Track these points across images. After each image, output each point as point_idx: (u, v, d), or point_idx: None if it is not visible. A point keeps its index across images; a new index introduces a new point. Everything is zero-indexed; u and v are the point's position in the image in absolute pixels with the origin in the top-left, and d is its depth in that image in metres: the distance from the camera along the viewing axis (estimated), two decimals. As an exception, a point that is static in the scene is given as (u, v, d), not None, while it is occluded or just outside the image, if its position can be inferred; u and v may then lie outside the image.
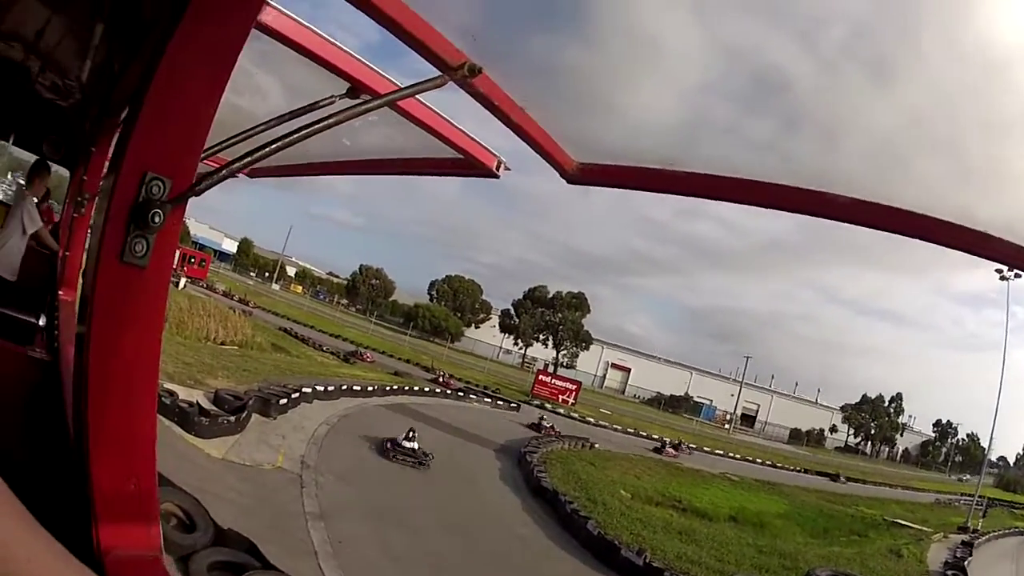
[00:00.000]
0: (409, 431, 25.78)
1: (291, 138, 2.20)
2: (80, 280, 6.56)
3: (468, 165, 3.75)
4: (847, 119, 2.50)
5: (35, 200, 8.58)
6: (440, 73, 2.47)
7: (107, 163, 5.90)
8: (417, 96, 2.88)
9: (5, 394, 3.80)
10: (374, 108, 2.51)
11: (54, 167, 9.77)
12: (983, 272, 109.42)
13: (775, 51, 2.38)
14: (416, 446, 25.44)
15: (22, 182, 9.88)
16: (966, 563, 33.41)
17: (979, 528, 48.17)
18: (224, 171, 1.98)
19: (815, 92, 2.47)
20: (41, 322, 5.46)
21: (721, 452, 61.24)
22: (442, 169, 4.05)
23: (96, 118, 6.22)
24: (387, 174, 4.88)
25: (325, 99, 3.08)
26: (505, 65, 2.62)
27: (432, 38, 2.43)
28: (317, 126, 2.27)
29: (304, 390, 28.61)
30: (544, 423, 44.59)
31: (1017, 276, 53.33)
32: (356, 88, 3.08)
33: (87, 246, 5.07)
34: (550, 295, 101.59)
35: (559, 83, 2.89)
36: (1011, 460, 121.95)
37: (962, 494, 69.46)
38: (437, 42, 2.45)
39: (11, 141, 9.93)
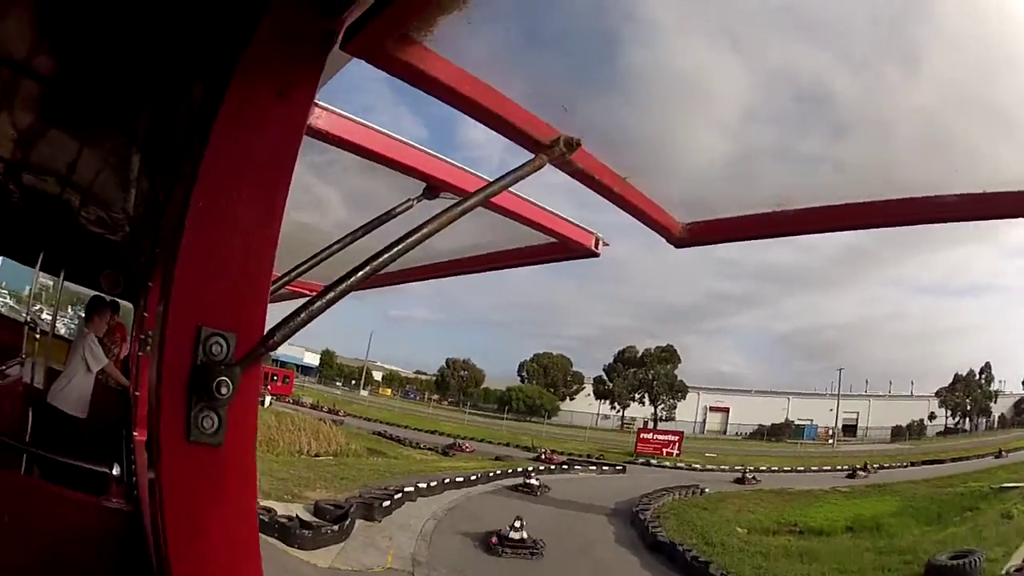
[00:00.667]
0: (516, 519, 24.31)
1: (381, 259, 1.96)
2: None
3: (565, 248, 3.73)
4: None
5: (96, 337, 8.23)
6: (535, 154, 2.35)
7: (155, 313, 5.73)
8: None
9: (81, 550, 3.56)
10: (471, 208, 2.22)
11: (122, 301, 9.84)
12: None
13: (820, 67, 2.34)
14: (525, 535, 23.99)
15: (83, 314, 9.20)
16: None
17: None
18: (304, 315, 1.75)
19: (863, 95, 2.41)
20: (115, 471, 4.95)
21: (822, 467, 61.36)
22: (538, 257, 4.01)
23: (149, 251, 5.94)
24: (479, 271, 4.61)
25: (402, 204, 3.03)
26: (602, 135, 2.54)
27: (521, 117, 2.33)
28: (411, 239, 2.04)
29: (406, 489, 28.52)
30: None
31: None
32: (434, 187, 3.02)
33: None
34: (639, 354, 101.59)
35: (657, 146, 2.82)
36: None
37: None
38: (528, 120, 2.34)
39: (62, 277, 9.78)
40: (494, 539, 23.79)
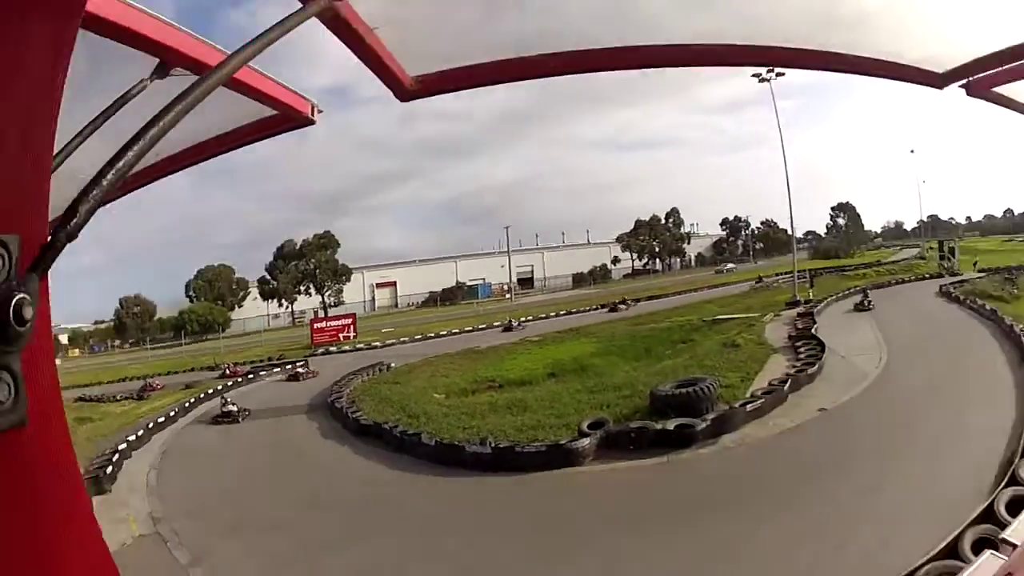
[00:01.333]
0: (222, 400, 30.77)
1: (125, 158, 1.55)
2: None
3: (284, 119, 3.64)
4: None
5: None
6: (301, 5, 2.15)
7: None
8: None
9: None
10: (217, 84, 1.85)
11: None
12: (733, 81, 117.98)
13: None
14: (234, 408, 30.67)
15: None
16: (814, 330, 35.96)
17: (811, 297, 52.29)
18: (92, 198, 1.42)
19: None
20: None
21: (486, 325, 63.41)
22: (260, 132, 3.83)
23: None
24: (205, 159, 4.18)
25: (136, 86, 2.62)
26: None
27: None
28: (154, 129, 1.62)
29: (120, 448, 28.04)
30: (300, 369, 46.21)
31: (779, 75, 57.68)
32: (167, 63, 2.72)
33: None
34: (298, 246, 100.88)
35: None
36: (821, 232, 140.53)
37: (777, 274, 77.17)
38: None
39: None
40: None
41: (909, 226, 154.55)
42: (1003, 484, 14.24)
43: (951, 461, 16.57)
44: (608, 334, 47.64)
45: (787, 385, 24.30)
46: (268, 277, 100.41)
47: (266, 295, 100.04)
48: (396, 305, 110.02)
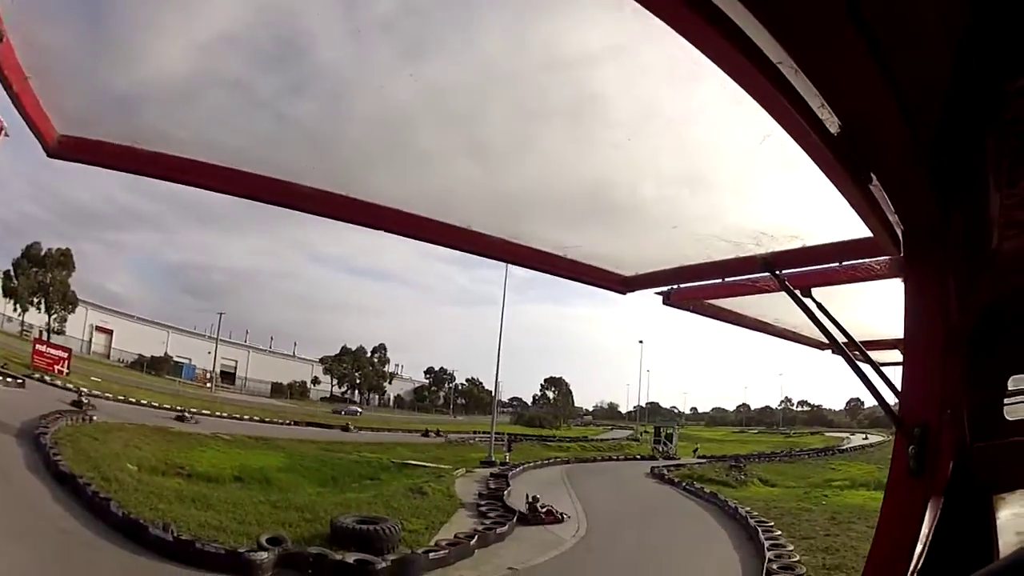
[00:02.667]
0: None
1: None
2: None
3: None
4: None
5: None
6: None
7: None
8: None
9: None
10: None
11: None
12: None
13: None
14: None
15: None
16: (506, 492, 37.86)
17: (507, 461, 55.16)
18: None
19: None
20: None
21: (206, 412, 62.74)
22: None
23: None
24: None
25: None
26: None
27: None
28: None
29: None
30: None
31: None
32: None
33: None
34: (43, 253, 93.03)
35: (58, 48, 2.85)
36: (528, 400, 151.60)
37: (474, 432, 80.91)
38: None
39: None
40: None
41: (625, 409, 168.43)
42: None
43: None
44: (298, 453, 48.31)
45: (475, 540, 25.20)
46: (12, 274, 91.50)
47: (7, 292, 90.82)
48: (109, 356, 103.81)
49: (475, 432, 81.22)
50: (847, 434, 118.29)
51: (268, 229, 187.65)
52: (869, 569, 3.51)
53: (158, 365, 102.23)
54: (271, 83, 2.98)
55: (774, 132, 2.37)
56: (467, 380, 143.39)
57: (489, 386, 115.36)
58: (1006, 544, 4.50)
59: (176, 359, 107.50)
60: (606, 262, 4.52)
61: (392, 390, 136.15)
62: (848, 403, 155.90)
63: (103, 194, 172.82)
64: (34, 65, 2.80)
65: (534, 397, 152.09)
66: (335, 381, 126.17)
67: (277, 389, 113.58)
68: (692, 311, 5.47)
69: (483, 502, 35.16)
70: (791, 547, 25.56)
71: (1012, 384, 8.37)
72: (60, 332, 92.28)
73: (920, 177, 2.72)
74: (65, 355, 66.40)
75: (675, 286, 4.88)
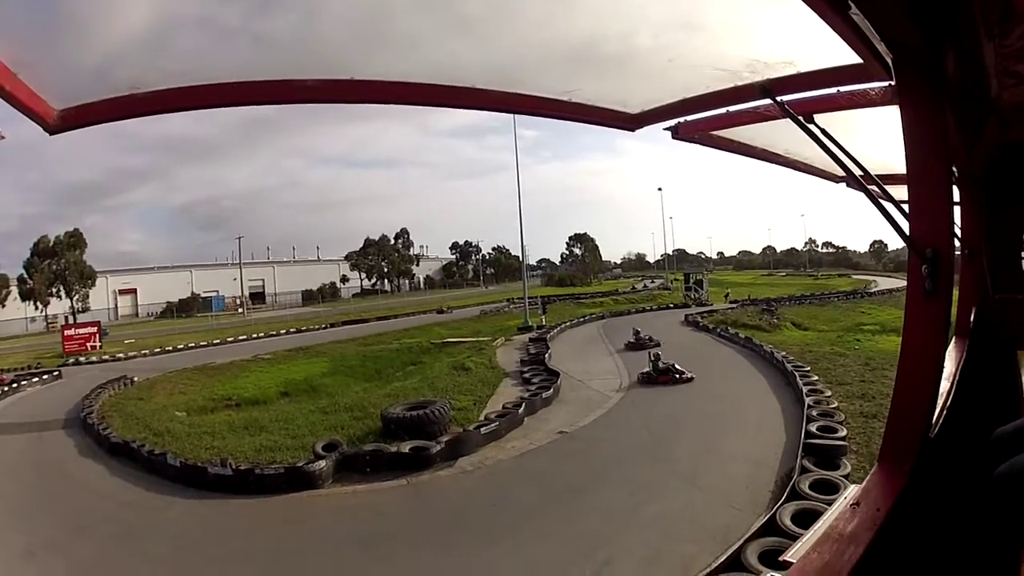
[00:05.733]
0: None
1: None
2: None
3: None
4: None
5: None
6: None
7: None
8: None
9: None
10: None
11: None
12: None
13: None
14: None
15: None
16: (547, 355, 38.56)
17: (544, 324, 55.58)
18: None
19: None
20: None
21: (243, 337, 64.05)
22: None
23: None
24: None
25: None
26: None
27: None
28: None
29: None
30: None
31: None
32: None
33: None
34: (52, 243, 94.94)
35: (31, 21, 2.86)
36: (556, 260, 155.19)
37: (508, 300, 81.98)
38: None
39: None
40: None
41: (652, 259, 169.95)
42: (783, 499, 15.24)
43: (711, 481, 17.82)
44: (339, 354, 49.17)
45: (522, 408, 25.60)
46: (26, 275, 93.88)
47: (24, 295, 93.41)
48: (137, 314, 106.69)
49: (508, 300, 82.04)
50: (873, 277, 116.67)
51: (261, 146, 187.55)
52: (898, 392, 3.61)
53: (187, 306, 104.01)
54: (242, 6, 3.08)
55: None
56: (493, 249, 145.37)
57: (516, 252, 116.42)
58: None
59: (204, 295, 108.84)
60: (611, 101, 4.56)
61: (420, 271, 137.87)
62: (872, 245, 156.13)
63: (90, 166, 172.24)
64: (16, 60, 2.89)
65: (562, 256, 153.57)
66: (363, 275, 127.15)
67: (308, 296, 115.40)
68: (700, 143, 5.60)
69: (526, 368, 35.64)
70: (828, 393, 25.64)
71: None
72: (85, 310, 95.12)
73: (901, 11, 2.72)
74: (94, 329, 67.24)
75: (681, 119, 4.97)
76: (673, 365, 31.01)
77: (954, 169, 6.65)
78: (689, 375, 30.56)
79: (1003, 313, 8.66)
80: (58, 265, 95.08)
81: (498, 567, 14.09)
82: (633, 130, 4.81)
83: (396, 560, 14.65)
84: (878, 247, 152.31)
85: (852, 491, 3.31)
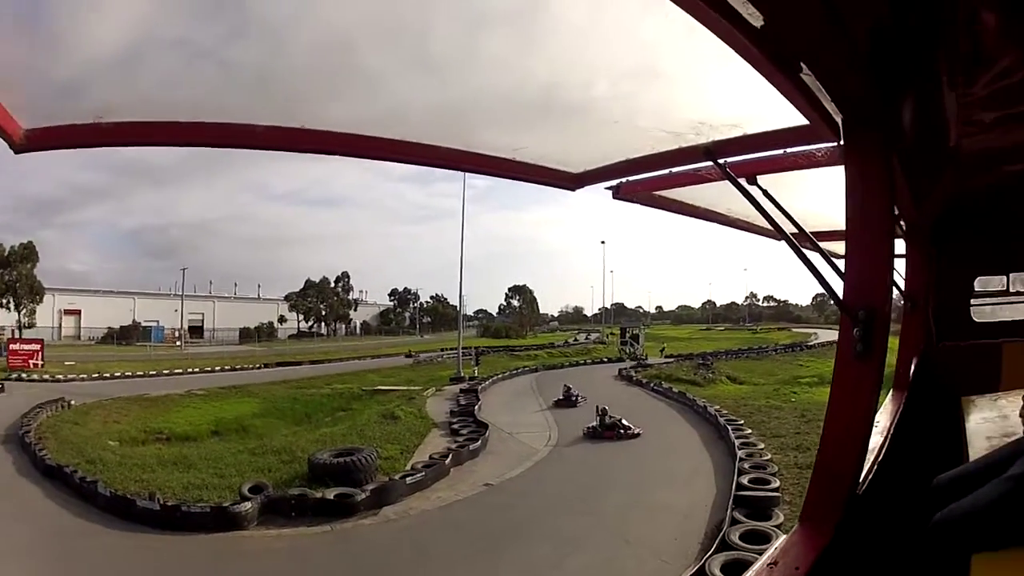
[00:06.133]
0: None
1: None
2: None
3: None
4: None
5: None
6: None
7: None
8: None
9: None
10: None
11: None
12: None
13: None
14: None
15: None
16: (477, 407, 38.62)
17: (476, 375, 55.51)
18: None
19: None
20: None
21: (179, 371, 63.47)
22: None
23: None
24: None
25: None
26: None
27: None
28: None
29: None
30: None
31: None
32: None
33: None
34: (6, 253, 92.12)
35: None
36: (493, 311, 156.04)
37: (442, 349, 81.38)
38: None
39: None
40: None
41: (590, 312, 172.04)
42: (712, 550, 15.43)
43: (639, 534, 18.04)
44: (271, 396, 49.02)
45: (449, 459, 25.90)
46: None
47: None
48: (79, 336, 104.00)
49: (443, 349, 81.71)
50: (814, 330, 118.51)
51: (217, 176, 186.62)
52: (823, 452, 3.67)
53: (127, 334, 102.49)
54: (212, 32, 3.01)
55: (697, 27, 2.37)
56: (431, 298, 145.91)
57: (454, 301, 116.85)
58: (976, 449, 5.07)
59: (144, 324, 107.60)
60: (554, 161, 4.59)
61: (358, 316, 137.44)
62: (815, 298, 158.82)
63: (50, 179, 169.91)
64: None
65: (500, 307, 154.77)
66: (301, 316, 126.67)
67: (246, 334, 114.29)
68: (642, 204, 5.71)
69: (455, 420, 35.71)
70: (762, 445, 26.13)
71: (979, 285, 9.18)
72: (31, 326, 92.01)
73: (857, 68, 2.78)
74: (37, 347, 66.00)
75: (623, 179, 5.02)
76: (620, 420, 31.12)
77: (902, 223, 7.25)
78: (636, 431, 30.71)
79: (948, 360, 8.80)
80: (10, 276, 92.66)
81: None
82: (574, 189, 4.87)
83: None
84: (820, 300, 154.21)
85: (769, 551, 3.28)
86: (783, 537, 3.43)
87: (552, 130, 4.13)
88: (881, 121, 3.26)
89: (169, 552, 18.03)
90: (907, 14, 2.55)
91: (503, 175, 4.53)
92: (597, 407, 33.07)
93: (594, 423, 31.62)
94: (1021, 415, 4.74)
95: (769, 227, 3.99)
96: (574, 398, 41.37)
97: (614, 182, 5.05)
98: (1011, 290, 9.03)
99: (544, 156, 4.46)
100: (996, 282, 9.16)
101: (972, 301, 9.17)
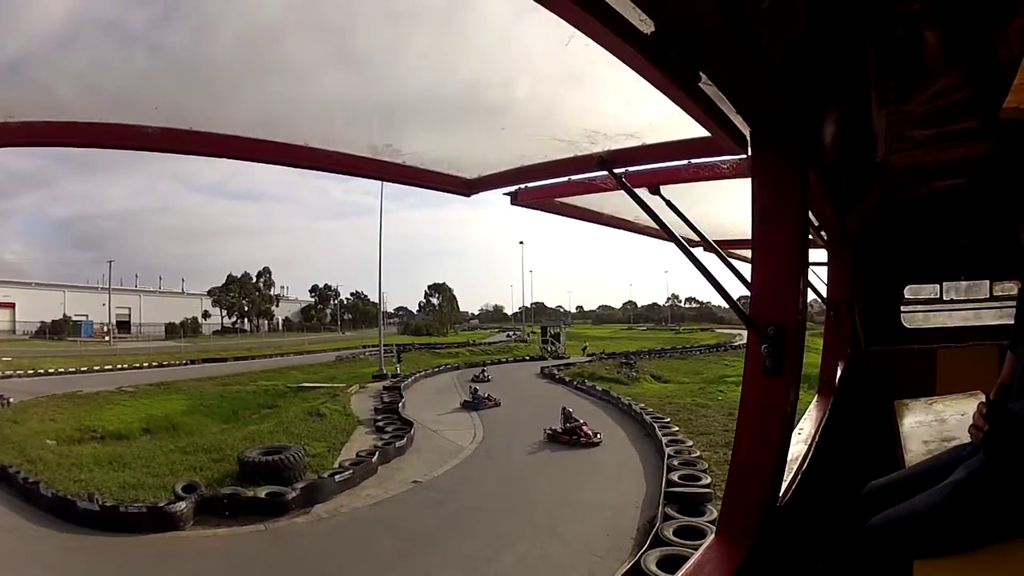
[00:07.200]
0: None
1: None
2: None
3: None
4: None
5: None
6: None
7: None
8: None
9: None
10: None
11: None
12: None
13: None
14: None
15: None
16: (400, 406, 38.57)
17: (399, 372, 55.76)
18: None
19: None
20: None
21: (108, 367, 62.44)
22: None
23: None
24: None
25: None
26: None
27: None
28: None
29: None
30: None
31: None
32: None
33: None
34: None
35: None
36: (413, 308, 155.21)
37: (364, 346, 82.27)
38: None
39: None
40: None
41: (510, 311, 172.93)
42: (647, 546, 15.50)
43: (571, 530, 18.24)
44: (198, 393, 48.75)
45: (376, 456, 26.05)
46: None
47: None
48: (15, 331, 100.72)
49: (364, 346, 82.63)
50: (738, 331, 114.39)
51: (145, 165, 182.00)
52: (736, 465, 3.52)
53: (58, 328, 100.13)
54: (141, 16, 2.71)
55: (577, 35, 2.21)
56: (352, 294, 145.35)
57: (375, 298, 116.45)
58: (912, 453, 5.12)
59: (75, 318, 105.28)
60: (446, 165, 4.36)
61: (280, 312, 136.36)
62: (739, 299, 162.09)
63: None
64: None
65: (420, 305, 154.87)
66: (224, 312, 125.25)
67: (171, 329, 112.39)
68: (545, 210, 5.55)
69: (379, 417, 36.05)
70: (690, 443, 26.36)
71: (909, 293, 9.49)
72: None
73: (768, 81, 2.66)
74: (-29, 343, 62.47)
75: (520, 186, 4.87)
76: (582, 425, 29.85)
77: (823, 234, 7.28)
78: (598, 438, 29.18)
79: (879, 365, 8.95)
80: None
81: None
82: (468, 195, 4.69)
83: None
84: (744, 301, 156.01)
85: (685, 565, 3.18)
86: (697, 552, 3.32)
87: (442, 135, 3.95)
88: (795, 134, 3.18)
89: (117, 555, 17.94)
90: (827, 30, 2.52)
91: (394, 180, 4.30)
92: (563, 408, 31.67)
93: (556, 427, 30.28)
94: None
95: (680, 235, 3.84)
96: (479, 399, 40.76)
97: (511, 188, 4.94)
98: (945, 298, 9.35)
99: (435, 161, 4.28)
100: (929, 290, 9.48)
101: (903, 308, 9.46)
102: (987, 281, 9.14)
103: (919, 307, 9.48)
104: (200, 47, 2.77)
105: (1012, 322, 7.44)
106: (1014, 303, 7.61)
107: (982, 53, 2.65)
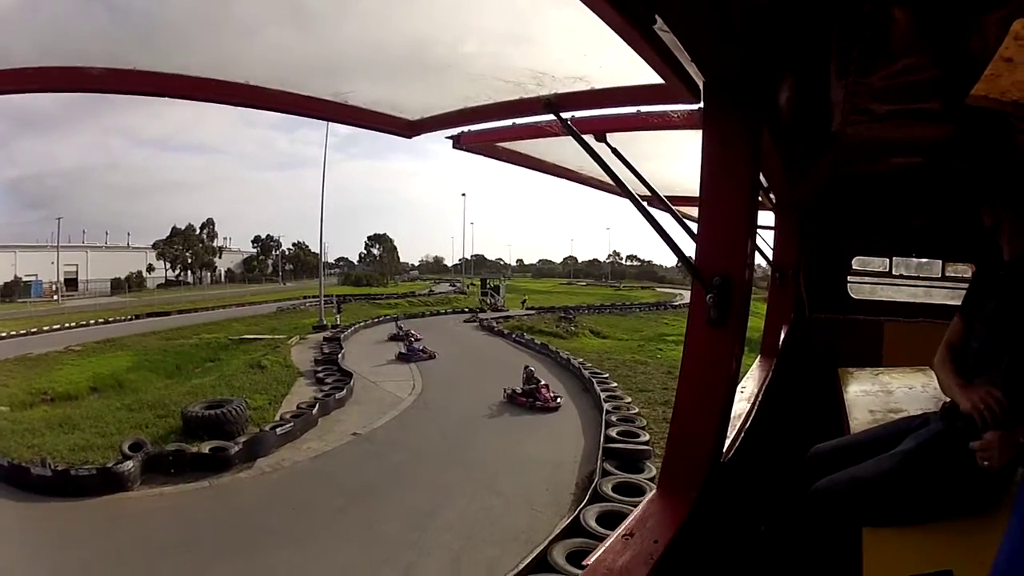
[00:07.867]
0: None
1: None
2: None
3: None
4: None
5: None
6: None
7: None
8: None
9: None
10: None
11: None
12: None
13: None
14: None
15: None
16: (340, 355, 39.06)
17: (339, 323, 55.78)
18: None
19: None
20: None
21: (57, 327, 60.97)
22: None
23: None
24: None
25: None
26: None
27: None
28: None
29: None
30: None
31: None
32: None
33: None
34: None
35: None
36: (354, 259, 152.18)
37: (304, 297, 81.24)
38: None
39: None
40: None
41: (450, 263, 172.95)
42: (585, 501, 15.75)
43: (510, 484, 18.52)
44: (142, 348, 48.51)
45: (316, 409, 26.40)
46: None
47: None
48: None
49: (304, 297, 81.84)
50: (679, 291, 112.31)
51: (92, 121, 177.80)
52: (678, 419, 3.42)
53: (10, 290, 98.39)
54: None
55: None
56: (293, 245, 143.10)
57: (316, 249, 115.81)
58: (857, 421, 5.06)
59: (25, 278, 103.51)
60: (388, 106, 4.15)
61: (223, 264, 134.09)
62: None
63: None
64: None
65: (360, 256, 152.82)
66: (168, 265, 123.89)
67: (117, 285, 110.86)
68: (486, 155, 5.28)
69: (319, 368, 36.33)
70: (629, 399, 26.44)
71: (858, 264, 9.51)
72: None
73: (725, 34, 2.56)
74: (-72, 307, 59.88)
75: (463, 129, 4.65)
76: (541, 385, 28.82)
77: (771, 196, 7.11)
78: (557, 402, 28.14)
79: (823, 332, 8.97)
80: None
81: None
82: (410, 137, 4.43)
83: (207, 571, 14.73)
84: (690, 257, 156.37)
85: (625, 522, 3.00)
86: (638, 508, 3.15)
87: (383, 74, 3.74)
88: (750, 93, 3.03)
89: (69, 523, 17.70)
90: None
91: (333, 119, 4.11)
92: (525, 367, 30.78)
93: (519, 387, 29.23)
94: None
95: (627, 187, 3.67)
96: (413, 351, 40.90)
97: (454, 131, 4.69)
98: (894, 272, 9.34)
99: (376, 101, 4.06)
100: (878, 263, 9.46)
101: (850, 278, 9.46)
102: (940, 261, 9.15)
103: (867, 279, 9.53)
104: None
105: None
106: (966, 285, 6.50)
107: (953, 38, 2.66)
